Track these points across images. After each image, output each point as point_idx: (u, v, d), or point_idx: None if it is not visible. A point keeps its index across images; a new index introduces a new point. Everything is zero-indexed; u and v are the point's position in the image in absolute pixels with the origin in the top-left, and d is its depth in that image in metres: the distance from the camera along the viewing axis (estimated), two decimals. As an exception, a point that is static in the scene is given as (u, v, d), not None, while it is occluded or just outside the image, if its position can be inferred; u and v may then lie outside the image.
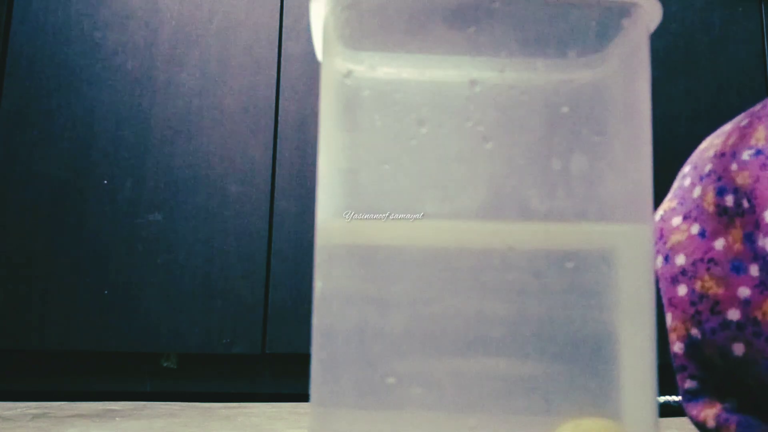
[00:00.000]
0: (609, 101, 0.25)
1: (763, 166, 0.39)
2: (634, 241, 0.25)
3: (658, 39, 1.31)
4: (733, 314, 0.39)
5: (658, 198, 1.19)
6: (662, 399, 0.93)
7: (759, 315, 0.38)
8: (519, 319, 0.22)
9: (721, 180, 0.41)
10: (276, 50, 1.26)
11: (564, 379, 0.22)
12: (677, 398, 0.87)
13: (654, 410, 0.25)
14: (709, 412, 0.42)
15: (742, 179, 0.40)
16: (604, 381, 0.23)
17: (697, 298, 0.41)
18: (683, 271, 0.42)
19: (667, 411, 0.88)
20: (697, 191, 0.42)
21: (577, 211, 0.23)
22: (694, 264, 0.41)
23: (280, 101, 1.24)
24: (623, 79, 0.25)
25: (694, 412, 0.43)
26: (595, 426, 0.22)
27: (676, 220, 0.43)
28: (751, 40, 1.36)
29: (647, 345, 0.25)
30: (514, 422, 0.22)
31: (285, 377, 1.20)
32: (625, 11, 0.25)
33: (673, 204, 0.44)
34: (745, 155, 0.40)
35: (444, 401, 0.22)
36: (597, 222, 0.24)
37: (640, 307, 0.25)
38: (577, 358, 0.23)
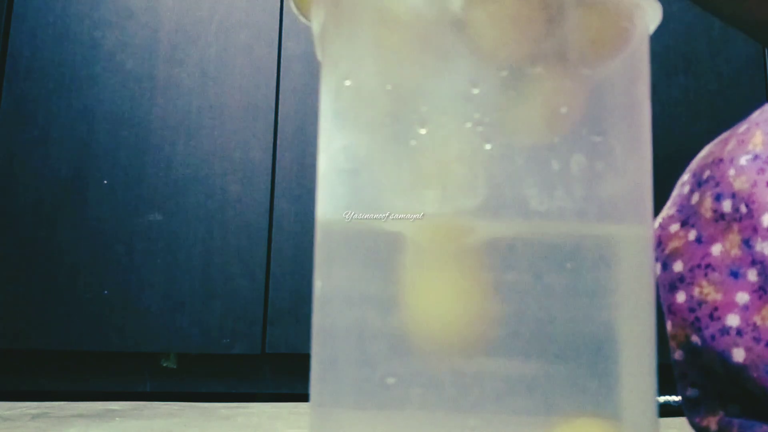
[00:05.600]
0: (609, 101, 0.25)
1: (760, 171, 0.39)
2: (633, 241, 0.25)
3: (658, 39, 1.31)
4: (732, 320, 0.39)
5: (658, 199, 1.19)
6: (662, 399, 0.92)
7: (758, 320, 0.38)
8: (519, 319, 0.22)
9: (719, 186, 0.41)
10: (276, 50, 1.26)
11: (564, 379, 0.22)
12: (677, 398, 0.87)
13: (654, 410, 0.25)
14: (712, 420, 0.42)
15: (740, 184, 0.39)
16: (604, 381, 0.23)
17: (695, 305, 0.41)
18: (681, 278, 0.42)
19: (667, 411, 0.88)
20: (695, 197, 0.42)
21: (577, 212, 0.23)
22: (691, 270, 0.41)
23: (280, 101, 1.24)
24: (623, 79, 0.25)
25: (696, 420, 0.43)
26: (589, 427, 0.22)
27: (674, 227, 0.43)
28: (750, 40, 1.36)
29: (647, 345, 0.25)
30: (514, 422, 0.22)
31: (285, 377, 1.20)
32: (624, 11, 0.25)
33: (672, 211, 0.44)
34: (743, 160, 0.40)
35: (444, 401, 0.22)
36: (597, 222, 0.24)
37: (640, 307, 0.25)
38: (577, 358, 0.23)
